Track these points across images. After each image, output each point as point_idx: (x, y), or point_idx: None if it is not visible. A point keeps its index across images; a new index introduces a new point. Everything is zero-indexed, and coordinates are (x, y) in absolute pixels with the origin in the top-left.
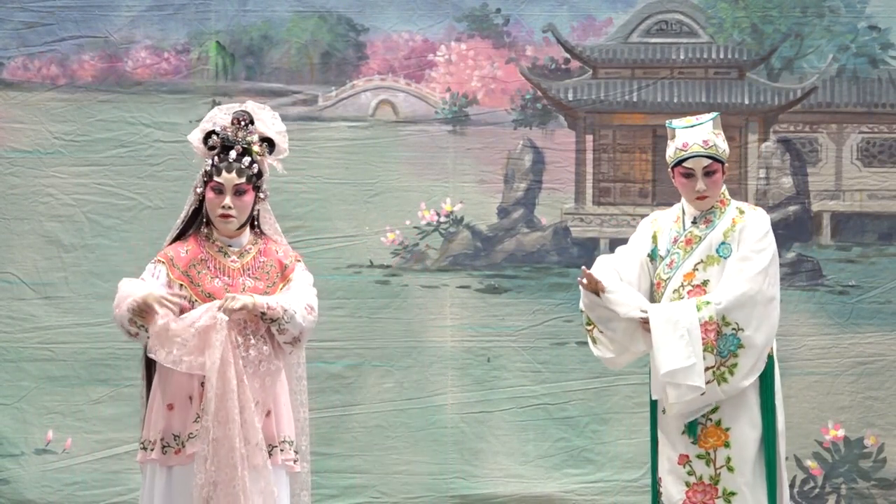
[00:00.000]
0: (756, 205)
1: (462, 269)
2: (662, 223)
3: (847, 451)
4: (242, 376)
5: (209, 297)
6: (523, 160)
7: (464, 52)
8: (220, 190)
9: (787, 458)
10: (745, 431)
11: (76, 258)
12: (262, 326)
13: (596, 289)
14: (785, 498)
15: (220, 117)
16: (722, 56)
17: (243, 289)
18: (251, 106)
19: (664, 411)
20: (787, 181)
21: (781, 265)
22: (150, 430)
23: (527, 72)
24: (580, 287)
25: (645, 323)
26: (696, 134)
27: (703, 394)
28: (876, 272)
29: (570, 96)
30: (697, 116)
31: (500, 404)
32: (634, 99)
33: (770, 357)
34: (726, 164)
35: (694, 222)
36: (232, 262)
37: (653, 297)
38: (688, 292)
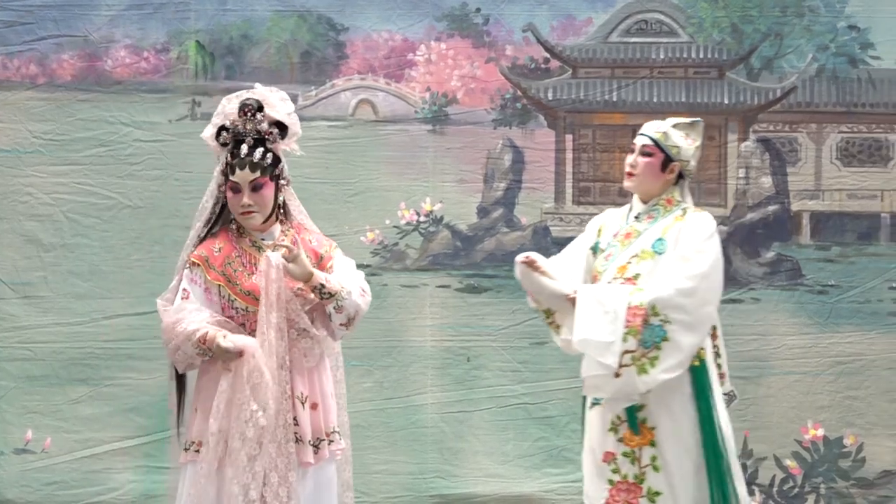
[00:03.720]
0: (736, 205)
1: (442, 268)
2: (610, 219)
3: (826, 450)
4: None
5: (248, 295)
6: (503, 160)
7: (444, 52)
8: (237, 189)
9: (765, 459)
10: (670, 431)
11: (55, 257)
12: (303, 318)
13: (539, 270)
14: (742, 499)
15: (229, 108)
16: (702, 56)
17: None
18: (260, 90)
19: (591, 406)
20: (767, 181)
21: (762, 265)
22: (194, 432)
23: (507, 71)
24: (519, 272)
25: (572, 300)
26: (662, 122)
27: (618, 376)
28: (855, 272)
29: (550, 96)
30: (684, 117)
31: (479, 404)
32: (614, 98)
33: (702, 361)
34: (676, 164)
35: (637, 218)
36: None
37: None
38: (619, 284)
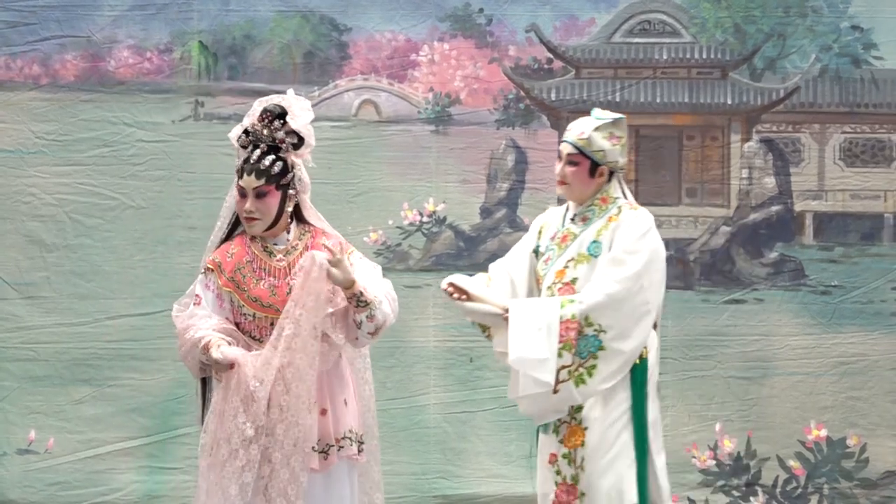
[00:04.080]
0: (739, 205)
1: (445, 269)
2: (550, 219)
3: (829, 450)
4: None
5: (255, 301)
6: (506, 160)
7: (446, 52)
8: (242, 193)
9: (768, 460)
10: (597, 433)
11: (58, 258)
12: (327, 322)
13: (466, 295)
14: (662, 498)
15: (257, 111)
16: (705, 56)
17: (290, 290)
18: (289, 97)
19: None
20: (770, 181)
21: (765, 265)
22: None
23: (509, 72)
24: (450, 298)
25: (506, 319)
26: (584, 124)
27: (556, 392)
28: (858, 272)
29: (553, 96)
30: (608, 113)
31: (482, 404)
32: (617, 99)
33: (643, 359)
34: (604, 166)
35: (573, 220)
36: (278, 261)
37: (540, 293)
38: (558, 290)
